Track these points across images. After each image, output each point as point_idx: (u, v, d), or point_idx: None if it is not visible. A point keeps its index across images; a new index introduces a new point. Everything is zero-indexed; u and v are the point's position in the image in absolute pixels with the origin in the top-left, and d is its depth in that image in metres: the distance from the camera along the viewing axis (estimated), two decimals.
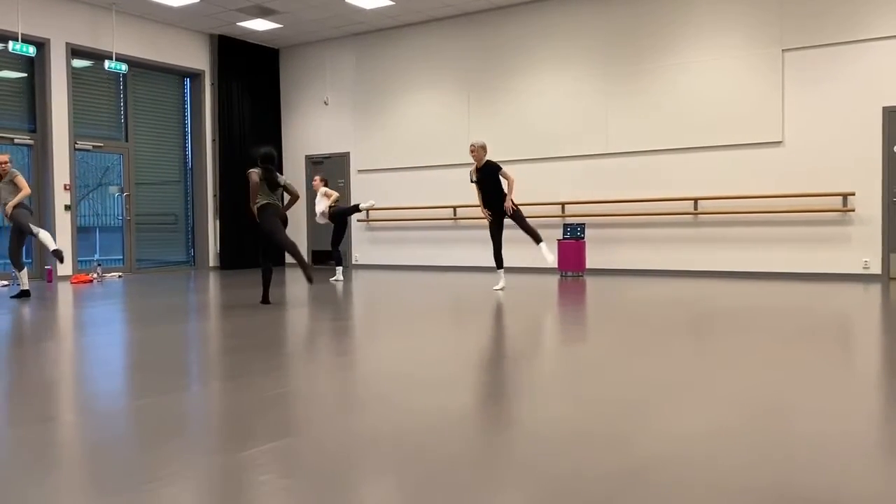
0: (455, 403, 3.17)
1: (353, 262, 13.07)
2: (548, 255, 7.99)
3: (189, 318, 6.24)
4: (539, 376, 3.71)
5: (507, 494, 2.12)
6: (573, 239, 10.41)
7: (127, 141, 12.12)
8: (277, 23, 12.16)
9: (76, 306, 7.28)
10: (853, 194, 8.99)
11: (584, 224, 10.48)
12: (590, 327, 5.40)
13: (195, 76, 12.98)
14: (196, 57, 12.85)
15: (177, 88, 12.98)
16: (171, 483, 2.23)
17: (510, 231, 11.57)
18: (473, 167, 8.28)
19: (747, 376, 3.61)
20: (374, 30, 12.61)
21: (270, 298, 7.46)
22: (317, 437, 2.70)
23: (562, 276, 10.28)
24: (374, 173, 12.84)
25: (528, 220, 8.33)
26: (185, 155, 13.13)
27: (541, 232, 11.17)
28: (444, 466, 2.36)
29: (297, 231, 13.85)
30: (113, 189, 12.07)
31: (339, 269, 10.17)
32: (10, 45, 10.04)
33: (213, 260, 13.15)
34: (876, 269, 8.95)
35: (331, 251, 10.21)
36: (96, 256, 11.78)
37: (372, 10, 11.49)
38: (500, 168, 8.10)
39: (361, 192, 12.95)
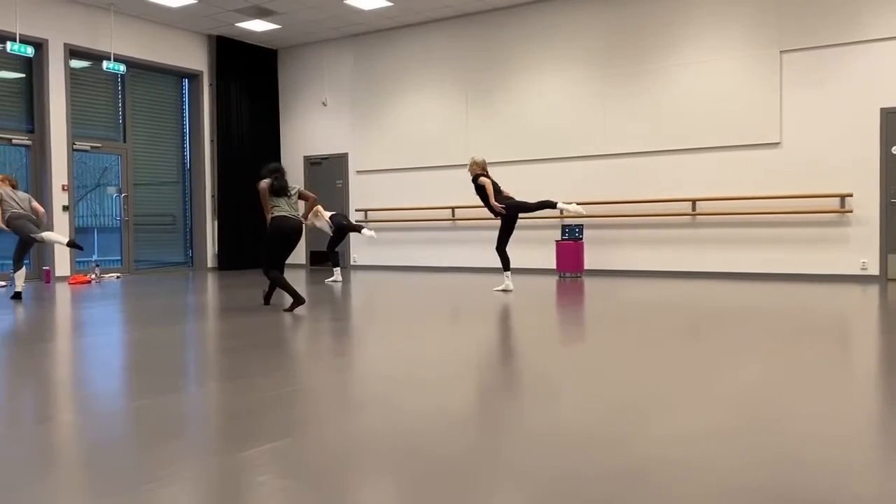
0: (453, 404, 3.17)
1: (352, 262, 13.06)
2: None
3: (187, 319, 6.24)
4: (537, 377, 3.71)
5: (507, 495, 2.12)
6: (571, 240, 10.42)
7: (125, 141, 12.11)
8: (276, 23, 12.16)
9: (74, 307, 7.27)
10: (851, 195, 9.00)
11: (582, 225, 10.48)
12: (588, 328, 5.41)
13: (193, 77, 12.97)
14: (194, 57, 12.85)
15: (175, 89, 12.97)
16: (169, 483, 2.23)
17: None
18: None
19: (745, 377, 3.62)
20: (373, 30, 12.61)
21: (271, 300, 7.43)
22: (315, 437, 2.70)
23: (560, 277, 10.28)
24: (372, 174, 12.84)
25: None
26: (184, 156, 13.12)
27: (539, 233, 11.21)
28: (442, 467, 2.36)
29: None
30: (111, 190, 12.06)
31: (337, 271, 10.18)
32: (8, 45, 10.03)
33: (211, 261, 13.14)
34: (874, 270, 8.96)
35: (327, 252, 10.25)
36: (94, 257, 11.76)
37: (370, 11, 11.49)
38: (477, 180, 8.17)
39: (360, 192, 12.96)
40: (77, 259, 11.31)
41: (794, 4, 9.28)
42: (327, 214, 9.96)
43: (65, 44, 10.97)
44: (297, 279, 10.45)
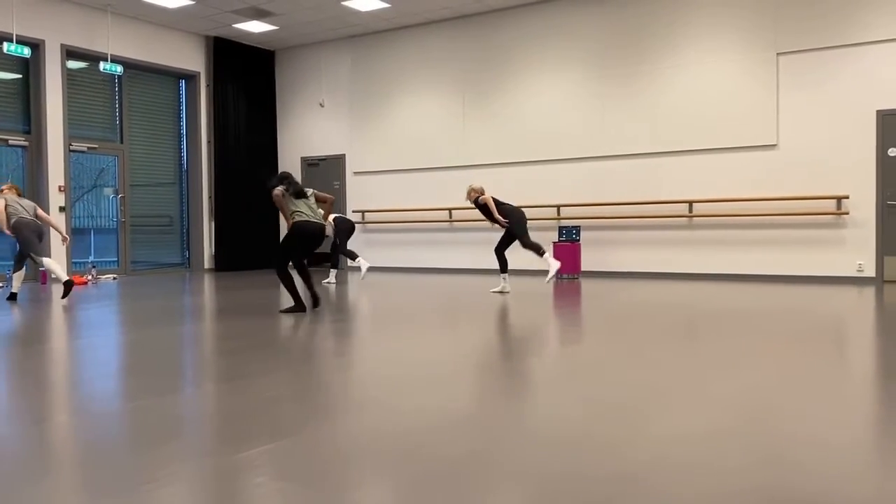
0: (451, 405, 3.17)
1: (349, 264, 13.05)
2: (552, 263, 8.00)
3: (184, 320, 6.23)
4: (534, 379, 3.71)
5: (504, 497, 2.12)
6: (569, 241, 10.43)
7: (122, 142, 12.09)
8: (273, 25, 12.15)
9: (70, 308, 7.25)
10: (847, 197, 9.02)
11: (579, 227, 10.49)
12: (585, 330, 5.41)
13: (190, 78, 12.96)
14: (191, 58, 12.84)
15: (172, 90, 12.96)
16: (167, 485, 2.23)
17: (498, 233, 11.56)
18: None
19: (742, 379, 3.62)
20: (370, 32, 12.61)
21: (318, 297, 6.90)
22: (313, 438, 2.70)
23: (557, 278, 10.29)
24: (369, 175, 12.84)
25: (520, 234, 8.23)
26: (181, 157, 13.11)
27: (536, 235, 11.20)
28: (439, 468, 2.36)
29: None
30: (108, 191, 12.04)
31: (333, 273, 10.16)
32: (5, 46, 10.01)
33: (207, 262, 13.13)
34: (870, 272, 8.98)
35: (329, 254, 10.25)
36: (91, 258, 11.74)
37: (367, 13, 11.50)
38: (478, 201, 8.13)
39: (357, 194, 12.96)
40: (73, 260, 11.30)
41: (791, 7, 9.30)
42: (330, 217, 9.94)
43: (61, 44, 10.96)
44: (294, 280, 10.43)
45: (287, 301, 7.55)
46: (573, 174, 10.86)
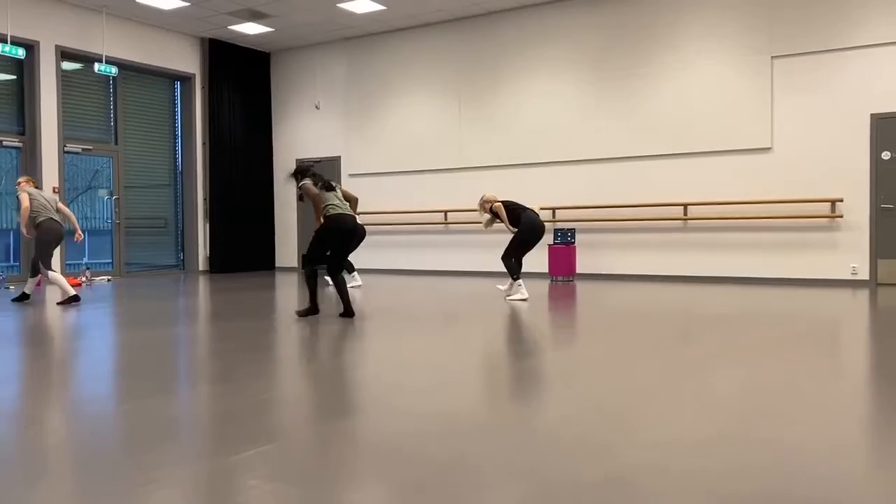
0: (445, 408, 3.17)
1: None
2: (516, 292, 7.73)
3: (179, 322, 6.21)
4: (527, 383, 3.71)
5: (496, 501, 2.12)
6: (563, 244, 10.44)
7: (117, 144, 12.07)
8: (269, 27, 12.15)
9: (64, 310, 7.23)
10: (841, 200, 9.05)
11: (574, 229, 10.51)
12: (579, 333, 5.41)
13: (186, 79, 12.94)
14: (187, 60, 12.82)
15: (167, 91, 12.94)
16: (160, 487, 2.22)
17: (500, 235, 11.58)
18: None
19: (736, 383, 3.63)
20: (366, 34, 12.61)
21: (352, 308, 6.38)
22: (307, 441, 2.70)
23: (552, 281, 10.29)
24: (365, 177, 12.83)
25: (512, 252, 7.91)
26: (175, 158, 13.08)
27: None
28: (432, 472, 2.35)
29: (288, 236, 13.83)
30: (102, 192, 12.01)
31: (355, 275, 9.86)
32: (0, 46, 9.98)
33: (202, 264, 13.10)
34: (864, 274, 9.01)
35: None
36: (85, 260, 11.71)
37: (363, 15, 11.50)
38: (491, 208, 7.90)
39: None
40: (67, 262, 11.27)
41: (785, 10, 9.33)
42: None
43: (56, 45, 10.93)
44: (290, 282, 10.43)
45: (302, 303, 7.45)
46: (568, 177, 10.88)
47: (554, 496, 2.12)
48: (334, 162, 13.18)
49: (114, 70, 11.27)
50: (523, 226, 7.73)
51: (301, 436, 2.76)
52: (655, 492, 2.15)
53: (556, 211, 10.96)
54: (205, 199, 13.08)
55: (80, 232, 8.14)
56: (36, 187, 7.95)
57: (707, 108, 9.84)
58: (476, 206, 8.03)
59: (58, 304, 7.68)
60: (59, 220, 7.80)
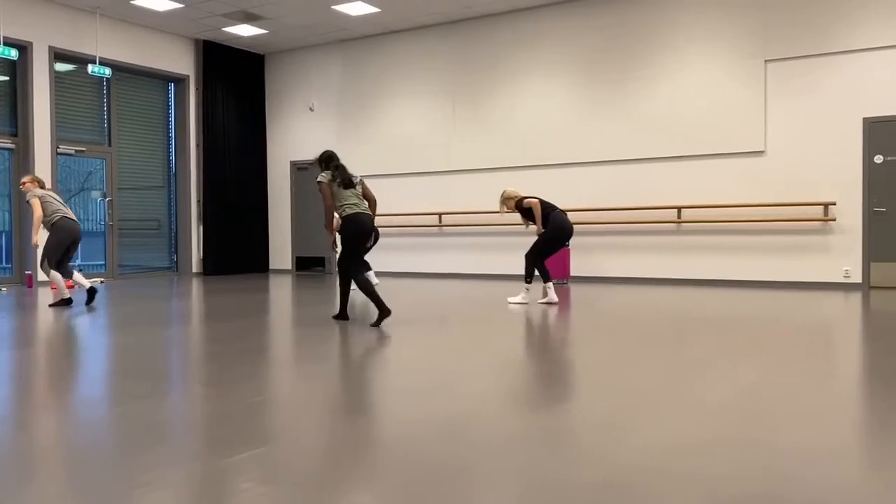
0: (439, 412, 3.16)
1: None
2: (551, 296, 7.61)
3: (172, 324, 6.19)
4: (522, 386, 3.71)
5: None
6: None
7: (110, 145, 12.03)
8: (263, 28, 12.13)
9: (57, 312, 7.19)
10: (834, 204, 9.09)
11: None
12: (573, 336, 5.42)
13: (179, 81, 12.92)
14: (181, 62, 12.80)
15: (161, 93, 12.91)
16: (153, 489, 2.21)
17: (494, 237, 11.59)
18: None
19: (731, 386, 3.63)
20: (360, 36, 12.61)
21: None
22: (300, 443, 2.69)
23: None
24: None
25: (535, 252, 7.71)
26: (169, 160, 13.05)
27: (525, 240, 11.22)
28: (426, 475, 2.35)
29: (282, 238, 13.81)
30: (95, 194, 11.97)
31: (372, 273, 9.73)
32: None
33: (196, 266, 13.07)
34: (856, 278, 9.04)
35: (321, 258, 10.13)
36: (78, 261, 11.66)
37: (358, 17, 11.50)
38: (522, 202, 7.71)
39: None
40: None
41: (778, 14, 9.37)
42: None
43: (49, 46, 10.90)
44: (284, 283, 10.40)
45: (336, 308, 6.52)
46: (562, 179, 10.89)
47: (549, 500, 2.12)
48: None
49: (107, 71, 11.24)
50: (552, 225, 7.57)
51: (295, 438, 2.75)
52: (653, 495, 2.15)
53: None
54: (198, 201, 13.04)
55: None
56: (41, 186, 7.61)
57: (701, 112, 9.87)
58: (497, 206, 7.71)
59: (49, 305, 7.63)
60: (74, 217, 7.44)
